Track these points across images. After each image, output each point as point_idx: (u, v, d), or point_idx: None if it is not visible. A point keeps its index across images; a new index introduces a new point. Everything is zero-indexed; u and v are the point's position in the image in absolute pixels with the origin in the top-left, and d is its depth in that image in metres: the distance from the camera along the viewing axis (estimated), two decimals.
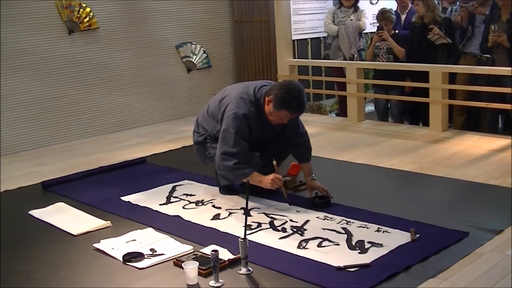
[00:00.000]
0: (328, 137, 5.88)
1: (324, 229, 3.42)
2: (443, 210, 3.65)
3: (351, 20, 6.95)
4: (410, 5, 6.71)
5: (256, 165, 3.84)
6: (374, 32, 6.66)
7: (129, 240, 3.37)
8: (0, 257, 3.28)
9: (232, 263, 2.99)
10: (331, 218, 3.59)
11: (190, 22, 7.30)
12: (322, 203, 3.82)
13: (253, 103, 3.80)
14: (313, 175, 3.97)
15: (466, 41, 5.96)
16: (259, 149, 4.03)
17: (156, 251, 3.19)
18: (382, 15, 6.40)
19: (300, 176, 4.19)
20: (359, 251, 3.10)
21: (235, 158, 3.71)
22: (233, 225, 3.54)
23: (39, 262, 3.20)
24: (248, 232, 3.24)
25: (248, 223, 3.19)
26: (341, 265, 2.90)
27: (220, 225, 3.57)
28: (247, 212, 3.10)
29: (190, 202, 4.04)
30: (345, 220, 3.53)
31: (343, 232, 3.36)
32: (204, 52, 7.42)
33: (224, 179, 3.90)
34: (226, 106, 3.84)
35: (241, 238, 2.89)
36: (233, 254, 3.04)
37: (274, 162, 3.78)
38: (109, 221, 3.70)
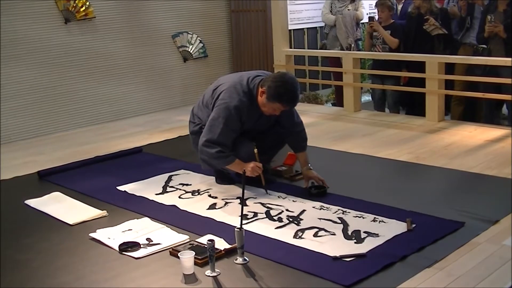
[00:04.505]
0: (324, 127, 5.88)
1: (320, 219, 3.42)
2: (439, 200, 3.66)
3: (348, 10, 6.95)
4: None
5: (248, 155, 3.81)
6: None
7: (125, 229, 3.37)
8: None
9: (228, 253, 2.99)
10: (327, 208, 3.59)
11: (187, 11, 7.26)
12: (318, 192, 3.82)
13: (246, 94, 3.78)
14: (309, 164, 3.97)
15: (465, 32, 5.95)
16: (254, 138, 4.02)
17: (152, 241, 3.20)
18: (381, 3, 6.38)
19: (296, 165, 4.19)
20: (355, 241, 3.10)
21: (218, 146, 3.71)
22: (229, 215, 3.54)
23: (35, 251, 3.20)
24: (244, 221, 3.25)
25: (244, 212, 3.19)
26: (337, 255, 2.91)
27: (216, 215, 3.57)
28: (243, 202, 3.10)
29: (186, 192, 4.04)
30: (341, 210, 3.54)
31: (339, 222, 3.36)
32: (201, 41, 7.40)
33: (205, 163, 3.89)
34: (218, 94, 3.83)
35: (237, 228, 2.90)
36: (229, 244, 3.04)
37: (255, 150, 3.77)
38: (105, 211, 3.70)
